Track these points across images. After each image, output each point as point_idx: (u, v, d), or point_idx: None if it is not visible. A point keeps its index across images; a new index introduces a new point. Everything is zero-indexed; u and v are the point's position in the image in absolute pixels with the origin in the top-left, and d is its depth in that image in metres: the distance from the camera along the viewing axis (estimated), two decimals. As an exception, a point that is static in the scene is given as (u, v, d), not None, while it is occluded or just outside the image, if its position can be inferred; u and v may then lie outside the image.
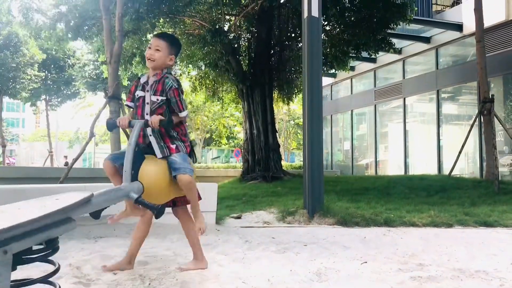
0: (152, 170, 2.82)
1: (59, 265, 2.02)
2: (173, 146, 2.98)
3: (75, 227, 1.82)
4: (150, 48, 3.06)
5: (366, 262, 3.88)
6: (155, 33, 3.11)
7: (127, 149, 2.72)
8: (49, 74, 26.61)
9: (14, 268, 1.56)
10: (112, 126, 2.93)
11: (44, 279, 1.97)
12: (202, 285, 3.16)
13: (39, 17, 13.99)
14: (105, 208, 2.48)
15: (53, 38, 13.85)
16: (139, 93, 3.09)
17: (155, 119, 2.83)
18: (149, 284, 3.19)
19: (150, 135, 2.98)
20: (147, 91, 3.03)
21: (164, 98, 2.99)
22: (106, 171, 2.90)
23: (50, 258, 1.90)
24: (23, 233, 1.55)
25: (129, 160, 2.65)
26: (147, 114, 3.00)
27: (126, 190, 2.46)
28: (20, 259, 1.63)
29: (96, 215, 2.46)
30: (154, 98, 2.99)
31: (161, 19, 12.39)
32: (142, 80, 3.13)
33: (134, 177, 2.69)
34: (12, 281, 1.58)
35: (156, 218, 2.55)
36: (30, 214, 1.63)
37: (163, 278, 3.32)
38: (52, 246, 1.77)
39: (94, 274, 3.42)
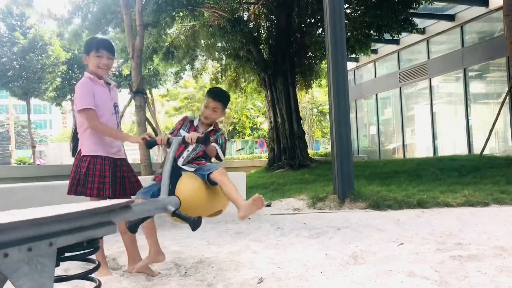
0: (189, 184, 2.88)
1: (99, 263, 2.06)
2: (202, 161, 3.15)
3: (115, 231, 1.85)
4: (207, 107, 3.24)
5: (402, 244, 3.80)
6: (210, 90, 3.20)
7: (165, 163, 2.78)
8: (73, 74, 26.99)
9: (57, 264, 1.59)
10: (151, 144, 2.99)
11: (86, 275, 2.00)
12: (237, 272, 3.14)
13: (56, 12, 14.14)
14: (143, 221, 2.52)
15: (70, 33, 13.94)
16: (185, 134, 3.18)
17: (193, 135, 2.92)
18: (185, 272, 3.19)
19: (183, 157, 3.12)
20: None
21: (215, 139, 3.21)
22: None
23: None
24: (67, 229, 1.59)
25: (167, 174, 2.71)
26: (188, 150, 3.15)
27: (164, 203, 2.51)
28: (62, 255, 1.67)
29: (133, 228, 2.50)
30: (207, 131, 3.19)
31: (181, 12, 12.38)
32: (195, 123, 3.29)
33: (171, 192, 2.74)
34: (54, 277, 1.59)
35: (193, 230, 2.55)
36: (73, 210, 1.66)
37: (199, 267, 3.31)
38: (93, 245, 1.80)
39: (130, 265, 3.44)
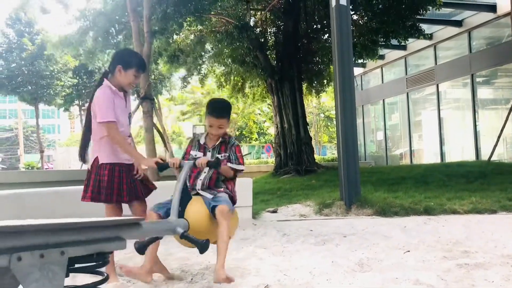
0: (198, 208, 2.98)
1: (107, 275, 2.08)
2: (221, 189, 3.20)
3: (125, 247, 1.89)
4: (212, 126, 3.23)
5: (409, 251, 3.79)
6: (211, 107, 3.12)
7: (175, 187, 2.82)
8: (80, 80, 27.23)
9: (67, 275, 1.62)
10: (163, 168, 3.05)
11: (94, 286, 2.02)
12: (243, 278, 3.15)
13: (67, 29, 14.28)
14: (151, 242, 2.61)
15: (84, 53, 14.13)
16: (197, 153, 3.27)
17: (203, 160, 3.01)
18: (192, 279, 3.21)
19: (200, 180, 3.17)
20: (209, 151, 3.26)
21: (227, 154, 3.24)
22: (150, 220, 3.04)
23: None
24: (78, 241, 1.63)
25: (177, 197, 2.76)
26: (204, 172, 3.18)
27: (173, 224, 2.57)
28: (73, 266, 1.71)
29: (141, 250, 2.54)
30: (219, 156, 3.22)
31: (188, 18, 12.45)
32: (202, 141, 3.32)
33: (181, 214, 2.78)
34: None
35: (201, 253, 2.63)
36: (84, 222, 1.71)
37: (205, 273, 3.33)
38: (102, 259, 1.84)
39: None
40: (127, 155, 3.16)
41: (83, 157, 3.27)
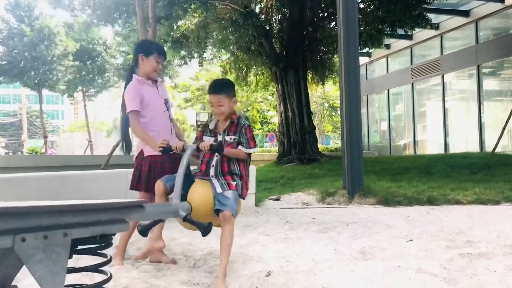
0: (201, 192, 2.89)
1: (110, 257, 2.08)
2: (233, 183, 3.00)
3: (127, 229, 1.91)
4: (212, 104, 3.11)
5: (411, 240, 3.79)
6: (209, 86, 2.93)
7: (178, 170, 2.81)
8: (83, 65, 27.09)
9: (70, 256, 1.63)
10: (166, 150, 2.99)
11: (97, 268, 2.03)
12: (246, 264, 3.16)
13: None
14: (154, 225, 2.58)
15: (81, 25, 14.03)
16: (206, 138, 3.15)
17: (205, 143, 2.90)
18: (194, 264, 3.22)
19: (213, 166, 3.03)
20: (220, 134, 3.12)
21: (237, 137, 3.08)
22: (157, 191, 3.00)
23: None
24: (81, 222, 1.64)
25: (180, 180, 2.76)
26: (216, 156, 3.04)
27: (176, 207, 2.58)
28: (76, 248, 1.71)
29: (144, 232, 2.54)
30: (228, 138, 3.08)
31: (193, 4, 12.37)
32: (211, 126, 3.17)
33: (183, 197, 2.79)
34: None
35: (203, 235, 2.59)
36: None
37: (207, 258, 3.35)
38: (106, 241, 1.86)
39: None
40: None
41: (126, 147, 3.52)
